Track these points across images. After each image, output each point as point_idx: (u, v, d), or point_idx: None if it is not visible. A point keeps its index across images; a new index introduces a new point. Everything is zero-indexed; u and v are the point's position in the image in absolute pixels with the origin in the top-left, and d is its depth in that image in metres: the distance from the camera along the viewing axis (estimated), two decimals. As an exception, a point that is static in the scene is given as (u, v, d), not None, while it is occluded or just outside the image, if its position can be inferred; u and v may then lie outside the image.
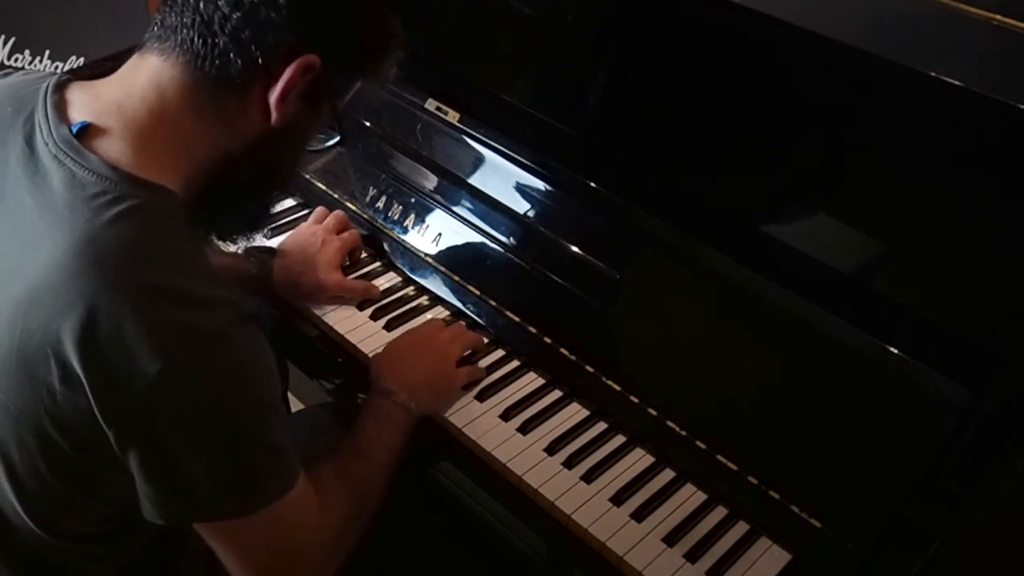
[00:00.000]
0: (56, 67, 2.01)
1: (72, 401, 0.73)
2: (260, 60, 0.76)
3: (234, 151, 0.82)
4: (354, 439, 0.97)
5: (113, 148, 0.76)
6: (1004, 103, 0.86)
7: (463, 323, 1.18)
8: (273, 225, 1.32)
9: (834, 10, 1.02)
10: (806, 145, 1.05)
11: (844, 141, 1.01)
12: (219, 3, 0.75)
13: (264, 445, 0.79)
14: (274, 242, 1.27)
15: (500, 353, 1.16)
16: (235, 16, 0.75)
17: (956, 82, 0.87)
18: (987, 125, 0.90)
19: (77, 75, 0.83)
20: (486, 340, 1.16)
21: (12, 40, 1.96)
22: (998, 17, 0.95)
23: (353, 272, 1.26)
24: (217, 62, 0.76)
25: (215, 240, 0.92)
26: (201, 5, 0.76)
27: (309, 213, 1.36)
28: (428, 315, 1.21)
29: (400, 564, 1.33)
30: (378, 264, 1.29)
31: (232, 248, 1.14)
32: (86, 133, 0.76)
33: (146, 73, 0.78)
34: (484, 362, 1.14)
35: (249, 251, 1.22)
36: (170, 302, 0.72)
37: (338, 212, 1.28)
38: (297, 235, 1.25)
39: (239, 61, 0.76)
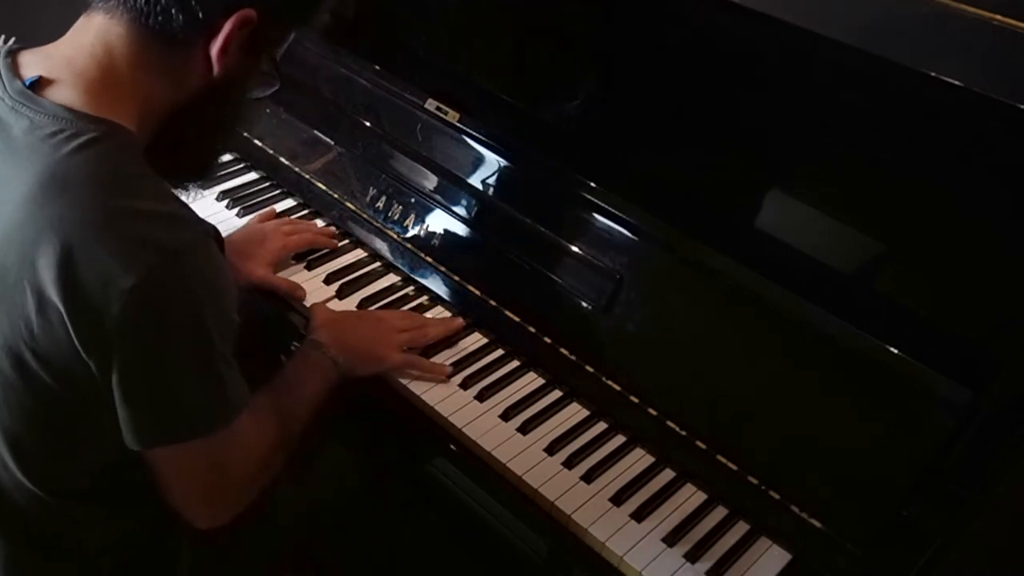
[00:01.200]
0: (56, 67, 2.01)
1: (49, 332, 0.75)
2: (200, 16, 0.79)
3: (181, 101, 0.86)
4: (284, 378, 1.02)
5: (66, 95, 0.79)
6: (1004, 103, 0.86)
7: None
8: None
9: (834, 10, 1.02)
10: (806, 145, 1.05)
11: (844, 141, 1.01)
12: None
13: (229, 359, 0.83)
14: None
15: (500, 353, 1.16)
16: None
17: (956, 82, 0.88)
18: (987, 125, 0.90)
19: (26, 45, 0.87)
20: (486, 340, 1.16)
21: (12, 40, 1.96)
22: (998, 17, 0.95)
23: (353, 273, 1.26)
24: (160, 19, 0.79)
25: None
26: None
27: (310, 213, 1.37)
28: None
29: (399, 564, 1.33)
30: (378, 264, 1.29)
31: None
32: (39, 84, 0.79)
33: (93, 31, 0.81)
34: (484, 361, 1.14)
35: None
36: (137, 219, 0.75)
37: (296, 220, 1.32)
38: (243, 229, 1.28)
39: (180, 17, 0.79)
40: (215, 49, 0.81)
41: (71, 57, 0.81)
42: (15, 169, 0.76)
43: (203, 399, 0.82)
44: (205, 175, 1.00)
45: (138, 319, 0.74)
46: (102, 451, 0.86)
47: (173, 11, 0.79)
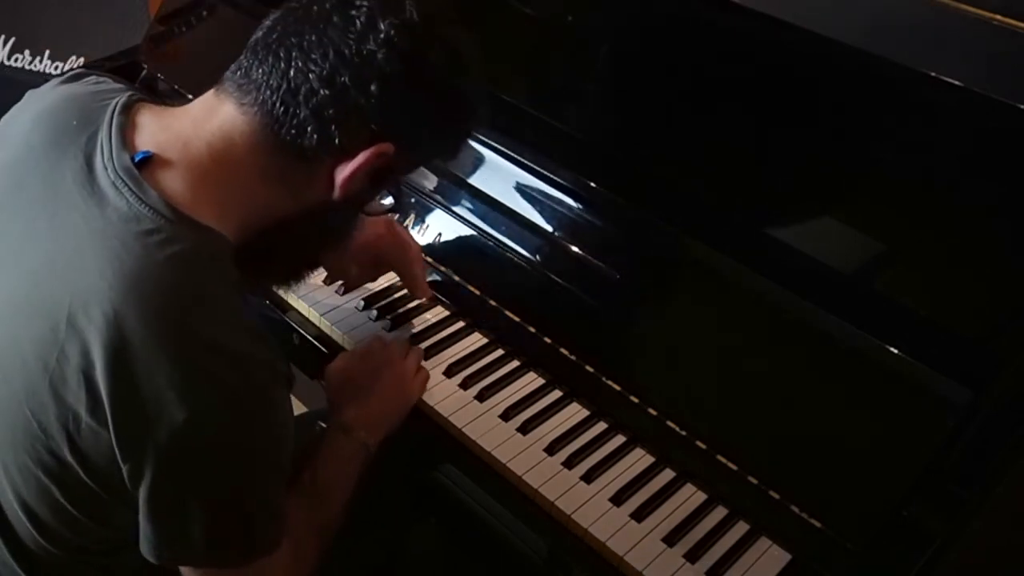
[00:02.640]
0: (56, 67, 2.01)
1: (95, 432, 0.74)
2: (337, 140, 0.76)
3: (291, 213, 0.82)
4: (318, 485, 0.96)
5: (172, 185, 0.75)
6: (1004, 103, 0.86)
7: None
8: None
9: (834, 10, 1.02)
10: (806, 146, 1.05)
11: (844, 141, 1.01)
12: (310, 76, 0.75)
13: (266, 505, 0.80)
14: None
15: (500, 353, 1.16)
16: (323, 92, 0.75)
17: (956, 82, 0.88)
18: (987, 125, 0.90)
19: (147, 96, 0.83)
20: (486, 340, 1.17)
21: (12, 40, 1.96)
22: (998, 17, 0.95)
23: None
24: (293, 131, 0.76)
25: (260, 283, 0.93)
26: (292, 72, 0.75)
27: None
28: (428, 315, 1.21)
29: (400, 564, 1.33)
30: (378, 264, 1.29)
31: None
32: (148, 164, 0.75)
33: (219, 120, 0.77)
34: (484, 361, 1.14)
35: None
36: (207, 353, 0.72)
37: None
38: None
39: (315, 136, 0.76)
40: (343, 175, 0.78)
41: (188, 139, 0.77)
42: (99, 258, 0.72)
43: (225, 535, 0.78)
44: (297, 281, 0.97)
45: (180, 451, 0.72)
46: (119, 531, 0.85)
47: (309, 129, 0.75)
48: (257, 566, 0.80)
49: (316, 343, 1.18)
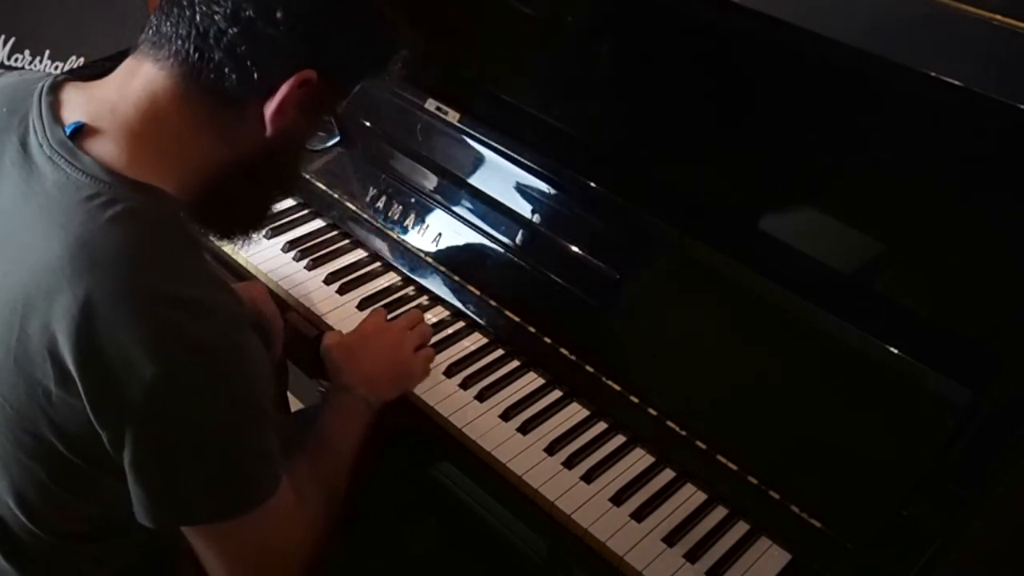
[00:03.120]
0: (56, 67, 2.01)
1: (68, 403, 0.74)
2: (256, 76, 0.76)
3: (230, 160, 0.82)
4: (321, 435, 0.99)
5: (107, 150, 0.76)
6: (1004, 103, 0.86)
7: (418, 311, 1.19)
8: (273, 225, 1.32)
9: (834, 10, 1.02)
10: (806, 145, 1.05)
11: (844, 141, 1.01)
12: (215, 17, 0.75)
13: (254, 450, 0.79)
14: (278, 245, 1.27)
15: (500, 353, 1.16)
16: (231, 31, 0.75)
17: (956, 82, 0.87)
18: (987, 125, 0.90)
19: (72, 76, 0.83)
20: (486, 340, 1.17)
21: (12, 40, 1.96)
22: (998, 17, 0.95)
23: (353, 273, 1.26)
24: (212, 75, 0.76)
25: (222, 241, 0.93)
26: (198, 17, 0.75)
27: (310, 213, 1.36)
28: (428, 315, 1.21)
29: (399, 564, 1.33)
30: (378, 264, 1.29)
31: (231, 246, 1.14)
32: (80, 134, 0.76)
33: (140, 79, 0.78)
34: (484, 361, 1.14)
35: None
36: (167, 306, 0.72)
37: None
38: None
39: (234, 76, 0.76)
40: (270, 110, 0.78)
41: (115, 104, 0.77)
42: (46, 230, 0.72)
43: (214, 487, 0.78)
44: (256, 229, 0.97)
45: (156, 407, 0.72)
46: (106, 509, 0.85)
47: (226, 70, 0.75)
48: (256, 515, 0.79)
49: (315, 342, 1.18)
